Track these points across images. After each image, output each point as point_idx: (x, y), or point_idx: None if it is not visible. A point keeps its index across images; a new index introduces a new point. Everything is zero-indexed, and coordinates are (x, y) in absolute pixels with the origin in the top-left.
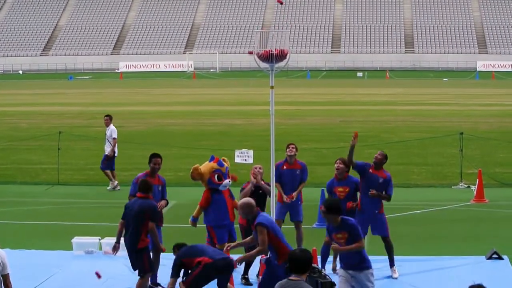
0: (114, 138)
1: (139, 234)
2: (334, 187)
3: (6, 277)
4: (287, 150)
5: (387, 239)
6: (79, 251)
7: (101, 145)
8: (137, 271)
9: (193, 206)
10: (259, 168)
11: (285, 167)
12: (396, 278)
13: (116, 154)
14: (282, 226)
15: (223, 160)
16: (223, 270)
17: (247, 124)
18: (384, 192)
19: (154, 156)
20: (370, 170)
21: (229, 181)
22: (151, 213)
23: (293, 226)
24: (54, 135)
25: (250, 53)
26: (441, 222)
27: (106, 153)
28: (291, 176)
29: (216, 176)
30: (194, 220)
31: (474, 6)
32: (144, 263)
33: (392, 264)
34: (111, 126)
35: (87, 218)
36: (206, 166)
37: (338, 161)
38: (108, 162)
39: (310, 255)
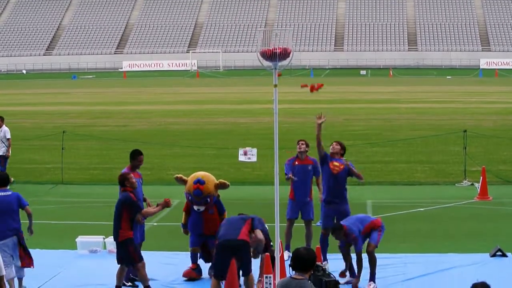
0: (8, 139)
1: (119, 227)
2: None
3: (0, 279)
4: (297, 146)
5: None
6: (84, 250)
7: (106, 144)
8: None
9: None
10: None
11: (296, 162)
12: None
13: (9, 155)
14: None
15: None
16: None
17: (250, 123)
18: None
19: (140, 154)
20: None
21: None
22: (127, 205)
23: (302, 224)
24: (58, 134)
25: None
26: (445, 219)
27: (1, 154)
28: (303, 172)
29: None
30: (184, 227)
31: (477, 3)
32: (129, 254)
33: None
34: (4, 127)
35: (91, 217)
36: (189, 183)
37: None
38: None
39: (314, 253)
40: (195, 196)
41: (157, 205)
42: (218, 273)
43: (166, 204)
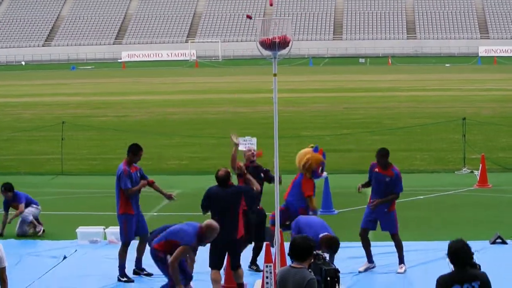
0: None
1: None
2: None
3: (2, 271)
4: None
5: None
6: (84, 240)
7: (105, 134)
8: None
9: (197, 194)
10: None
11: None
12: (401, 273)
13: None
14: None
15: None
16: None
17: (250, 112)
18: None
19: (141, 149)
20: (376, 169)
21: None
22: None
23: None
24: (58, 125)
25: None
26: (444, 207)
27: None
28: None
29: (320, 168)
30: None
31: None
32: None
33: (401, 261)
34: None
35: (91, 208)
36: (314, 156)
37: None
38: None
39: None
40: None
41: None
42: (218, 264)
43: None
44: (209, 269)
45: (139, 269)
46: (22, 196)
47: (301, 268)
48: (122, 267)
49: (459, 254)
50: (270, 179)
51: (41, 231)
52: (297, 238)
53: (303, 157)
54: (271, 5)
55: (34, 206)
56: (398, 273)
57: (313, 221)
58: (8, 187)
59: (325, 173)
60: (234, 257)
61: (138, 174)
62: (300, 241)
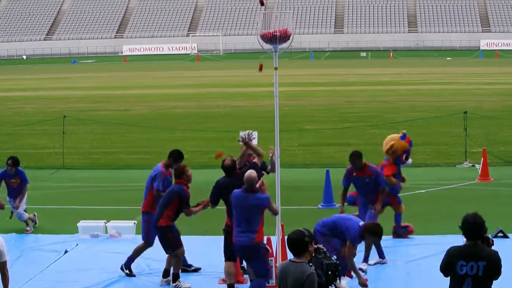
0: None
1: (161, 215)
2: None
3: (3, 265)
4: None
5: None
6: (85, 234)
7: (107, 128)
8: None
9: (199, 188)
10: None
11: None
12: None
13: None
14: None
15: None
16: None
17: (251, 106)
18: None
19: (183, 157)
20: (354, 174)
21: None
22: (180, 197)
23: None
24: (59, 119)
25: (261, 2)
26: (446, 201)
27: None
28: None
29: (405, 155)
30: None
31: None
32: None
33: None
34: None
35: (92, 202)
36: (399, 143)
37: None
38: None
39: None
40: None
41: (198, 205)
42: (233, 256)
43: (207, 204)
44: (217, 262)
45: (187, 266)
46: (26, 177)
47: (301, 263)
48: (130, 259)
49: (472, 225)
50: (265, 168)
51: (34, 218)
52: (291, 233)
53: (388, 142)
54: (261, 4)
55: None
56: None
57: (346, 217)
58: (16, 161)
59: (410, 160)
60: None
61: (170, 179)
62: (294, 236)
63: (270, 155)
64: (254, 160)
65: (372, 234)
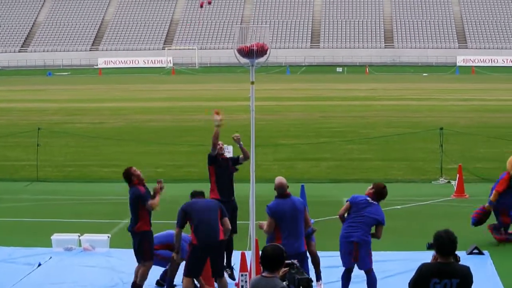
0: None
1: (136, 221)
2: None
3: None
4: None
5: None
6: (59, 247)
7: (81, 141)
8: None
9: (173, 202)
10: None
11: None
12: None
13: None
14: None
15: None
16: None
17: (226, 120)
18: None
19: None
20: None
21: None
22: (140, 198)
23: None
24: (33, 131)
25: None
26: (421, 217)
27: None
28: None
29: None
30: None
31: (454, 0)
32: (141, 248)
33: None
34: None
35: (66, 215)
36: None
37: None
38: None
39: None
40: None
41: (154, 193)
42: (195, 273)
43: (160, 186)
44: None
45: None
46: None
47: (272, 277)
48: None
49: (446, 241)
50: (236, 160)
51: None
52: (268, 248)
53: None
54: (201, 6)
55: None
56: None
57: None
58: None
59: None
60: (218, 262)
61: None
62: (270, 252)
63: (238, 144)
64: (226, 157)
65: (379, 196)
